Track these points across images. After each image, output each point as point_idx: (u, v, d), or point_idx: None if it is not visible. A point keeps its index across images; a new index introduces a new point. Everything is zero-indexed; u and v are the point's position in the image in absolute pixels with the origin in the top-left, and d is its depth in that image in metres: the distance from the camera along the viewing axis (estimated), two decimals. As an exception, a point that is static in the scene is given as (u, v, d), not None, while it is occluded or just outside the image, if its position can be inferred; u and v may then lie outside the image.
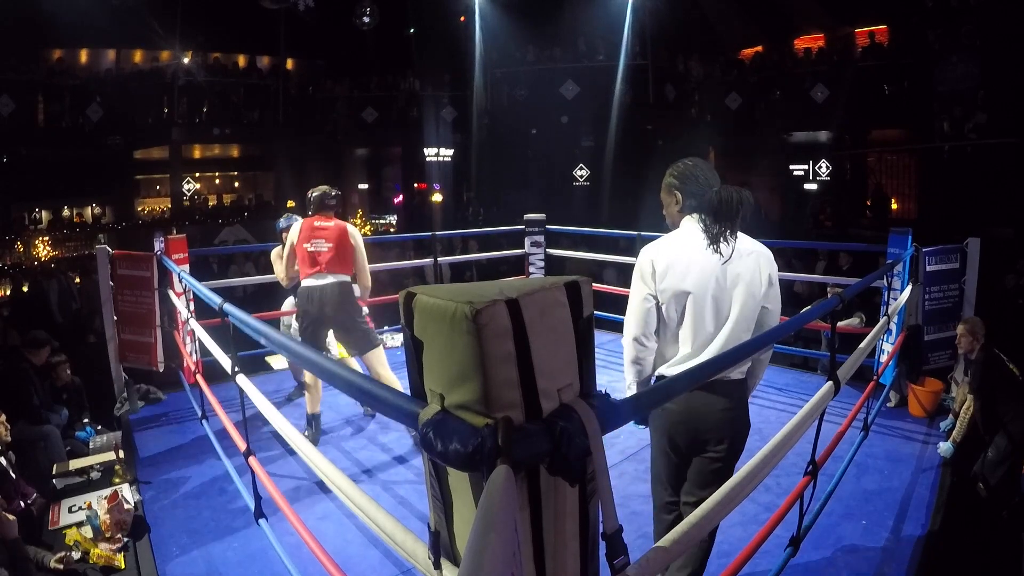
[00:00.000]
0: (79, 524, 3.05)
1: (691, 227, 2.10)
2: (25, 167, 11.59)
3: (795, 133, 11.91)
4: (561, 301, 1.06)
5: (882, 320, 3.81)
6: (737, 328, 2.06)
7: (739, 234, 2.08)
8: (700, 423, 2.10)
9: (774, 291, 2.14)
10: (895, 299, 4.31)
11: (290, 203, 14.62)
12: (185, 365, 4.61)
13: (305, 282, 3.82)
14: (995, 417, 3.64)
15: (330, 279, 3.78)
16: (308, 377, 3.98)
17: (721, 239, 2.03)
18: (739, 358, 1.80)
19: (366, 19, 12.11)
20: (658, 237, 2.16)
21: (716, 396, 2.09)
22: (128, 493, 3.31)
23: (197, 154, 14.92)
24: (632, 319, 2.10)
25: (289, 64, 14.54)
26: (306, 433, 3.87)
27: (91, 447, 4.10)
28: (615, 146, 12.52)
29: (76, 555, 2.82)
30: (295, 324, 6.67)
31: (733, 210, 2.01)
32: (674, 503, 2.25)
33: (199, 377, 3.84)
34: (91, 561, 2.80)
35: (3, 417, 3.50)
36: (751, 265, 2.08)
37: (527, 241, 6.59)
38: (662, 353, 2.14)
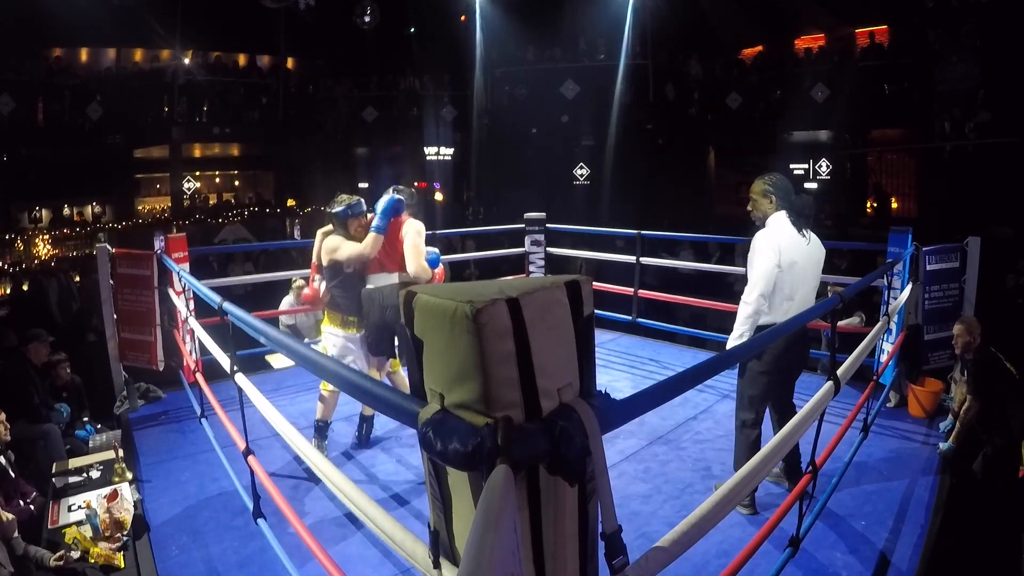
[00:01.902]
0: (79, 523, 3.05)
1: (783, 221, 3.02)
2: (25, 166, 11.57)
3: (795, 133, 11.90)
4: (561, 300, 1.06)
5: (882, 320, 3.81)
6: (815, 289, 3.07)
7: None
8: (796, 353, 3.07)
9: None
10: (895, 298, 4.31)
11: (290, 202, 14.65)
12: (185, 364, 4.61)
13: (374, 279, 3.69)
14: (994, 417, 3.64)
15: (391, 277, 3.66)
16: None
17: (803, 230, 3.02)
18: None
19: (366, 19, 12.11)
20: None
21: (800, 336, 3.05)
22: (128, 492, 3.31)
23: (197, 153, 14.91)
24: (762, 281, 2.92)
25: (289, 64, 14.53)
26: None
27: (91, 446, 4.10)
28: (615, 145, 12.52)
29: (75, 554, 2.81)
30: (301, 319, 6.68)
31: (808, 211, 3.03)
32: (757, 420, 3.11)
33: (199, 376, 3.83)
34: (91, 560, 2.79)
35: (3, 416, 3.49)
36: (819, 250, 3.07)
37: (527, 240, 6.59)
38: (772, 306, 2.97)
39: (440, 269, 3.90)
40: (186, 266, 4.77)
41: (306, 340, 6.28)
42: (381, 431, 4.13)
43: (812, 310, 2.47)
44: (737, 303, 3.06)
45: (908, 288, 4.38)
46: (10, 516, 2.82)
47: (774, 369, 3.03)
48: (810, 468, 2.34)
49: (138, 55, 13.58)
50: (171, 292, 4.60)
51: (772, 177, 3.14)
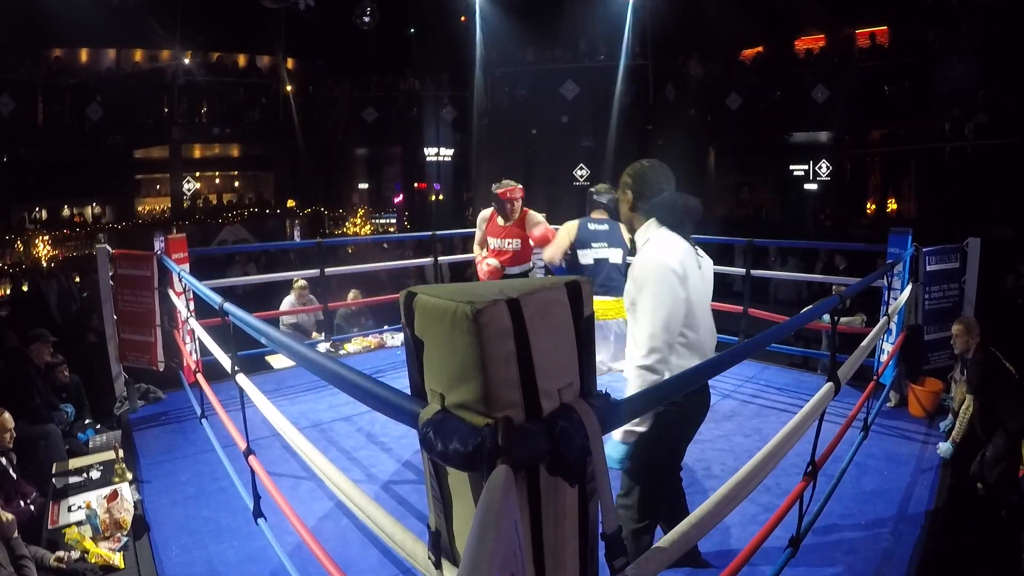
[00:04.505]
0: (79, 523, 3.05)
1: (664, 232, 2.16)
2: (25, 167, 11.59)
3: (795, 133, 11.92)
4: (561, 301, 1.06)
5: (882, 320, 3.81)
6: (713, 334, 2.26)
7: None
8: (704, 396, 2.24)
9: None
10: (895, 299, 4.31)
11: (290, 202, 14.66)
12: (185, 364, 4.61)
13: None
14: (993, 416, 3.64)
15: None
16: None
17: (695, 246, 2.23)
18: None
19: (366, 19, 12.11)
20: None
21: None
22: (128, 492, 3.31)
23: (197, 154, 14.92)
24: (661, 330, 2.03)
25: (289, 64, 14.55)
26: None
27: (91, 446, 4.09)
28: (615, 146, 12.52)
29: (75, 554, 2.81)
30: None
31: (694, 216, 2.18)
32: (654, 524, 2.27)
33: (199, 376, 3.83)
34: (90, 560, 2.79)
35: (11, 424, 3.48)
36: (711, 272, 2.29)
37: (527, 241, 6.57)
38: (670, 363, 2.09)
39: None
40: (186, 267, 4.77)
41: (312, 338, 6.29)
42: (381, 431, 4.13)
43: (813, 310, 2.45)
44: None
45: (908, 288, 4.38)
46: (10, 517, 2.82)
47: (680, 424, 2.14)
48: (810, 468, 2.34)
49: (138, 55, 13.59)
50: (171, 293, 4.60)
51: (638, 166, 2.19)
